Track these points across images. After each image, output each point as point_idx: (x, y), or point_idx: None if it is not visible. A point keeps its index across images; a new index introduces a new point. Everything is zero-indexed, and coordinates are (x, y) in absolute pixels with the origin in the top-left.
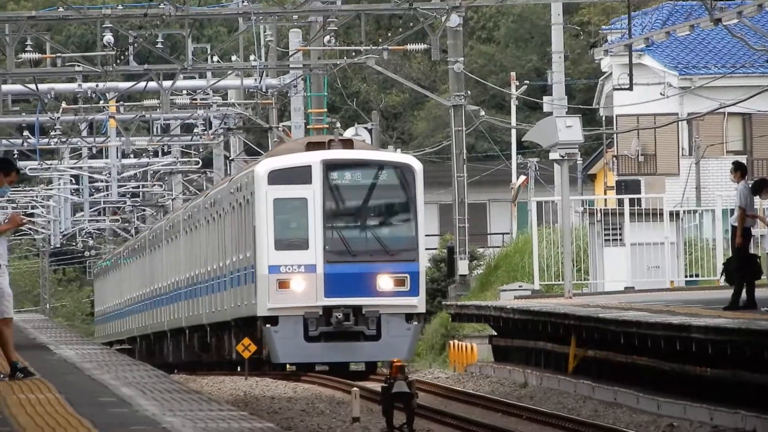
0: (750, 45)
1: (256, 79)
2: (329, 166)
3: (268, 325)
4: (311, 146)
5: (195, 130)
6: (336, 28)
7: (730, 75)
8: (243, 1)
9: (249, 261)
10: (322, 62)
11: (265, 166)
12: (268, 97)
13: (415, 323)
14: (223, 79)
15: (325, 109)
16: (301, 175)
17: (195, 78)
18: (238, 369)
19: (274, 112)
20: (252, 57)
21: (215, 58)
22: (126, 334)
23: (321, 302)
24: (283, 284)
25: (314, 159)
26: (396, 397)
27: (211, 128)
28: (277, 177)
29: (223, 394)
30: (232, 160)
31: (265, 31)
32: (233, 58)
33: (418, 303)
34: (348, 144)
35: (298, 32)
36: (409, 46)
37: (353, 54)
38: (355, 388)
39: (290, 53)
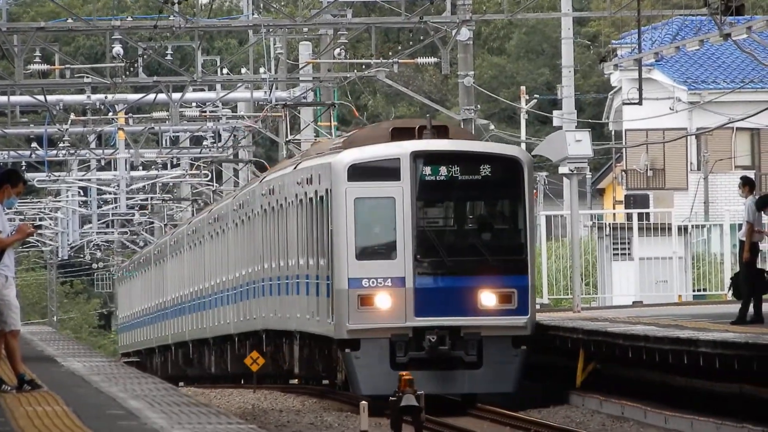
0: (759, 60)
1: (265, 92)
2: (421, 159)
3: (347, 350)
4: (397, 134)
5: (204, 143)
6: (346, 41)
7: (739, 90)
8: (253, 14)
9: (323, 270)
10: (332, 75)
11: (345, 158)
12: (277, 110)
13: (524, 348)
14: (233, 92)
15: (335, 122)
16: (387, 170)
17: (204, 90)
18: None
19: (284, 125)
20: (262, 69)
21: (225, 71)
22: (157, 342)
23: (411, 322)
24: (365, 301)
25: (403, 150)
26: (405, 410)
27: (220, 141)
28: (358, 172)
29: (232, 407)
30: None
31: (275, 44)
32: (243, 70)
33: (528, 324)
34: (443, 132)
35: (308, 45)
36: (420, 60)
37: (363, 67)
38: (363, 402)
39: (300, 66)
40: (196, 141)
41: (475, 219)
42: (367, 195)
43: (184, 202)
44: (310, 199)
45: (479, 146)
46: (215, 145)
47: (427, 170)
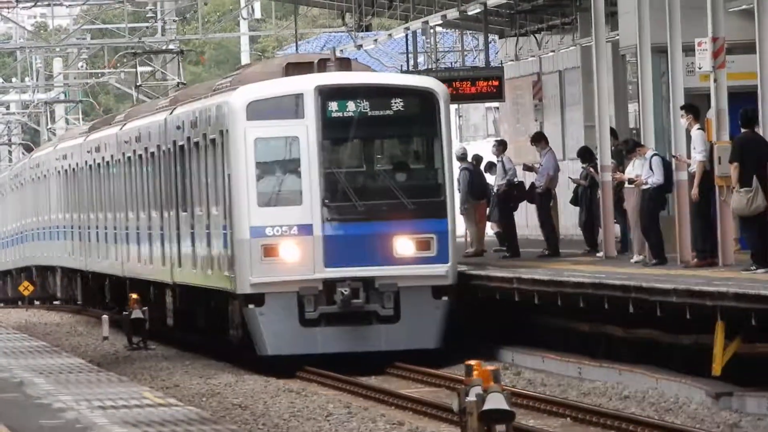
0: (383, 63)
1: (29, 94)
2: (327, 94)
3: (251, 306)
4: (293, 69)
5: None
6: (87, 57)
7: None
8: (20, 39)
9: (217, 219)
10: (78, 81)
11: (243, 95)
12: (38, 107)
13: (446, 299)
14: (6, 96)
15: (80, 116)
16: (289, 107)
17: None
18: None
19: (44, 118)
20: (27, 78)
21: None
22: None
23: (320, 274)
24: (269, 251)
25: (307, 85)
26: (134, 321)
27: None
28: (258, 110)
29: (9, 322)
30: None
31: (35, 60)
32: (13, 79)
33: (449, 272)
34: (345, 64)
35: (59, 60)
36: (140, 69)
37: (99, 75)
38: (105, 315)
39: (55, 75)
40: None
41: (388, 158)
42: (268, 135)
43: None
44: (196, 143)
45: (390, 78)
46: None
47: (334, 106)
